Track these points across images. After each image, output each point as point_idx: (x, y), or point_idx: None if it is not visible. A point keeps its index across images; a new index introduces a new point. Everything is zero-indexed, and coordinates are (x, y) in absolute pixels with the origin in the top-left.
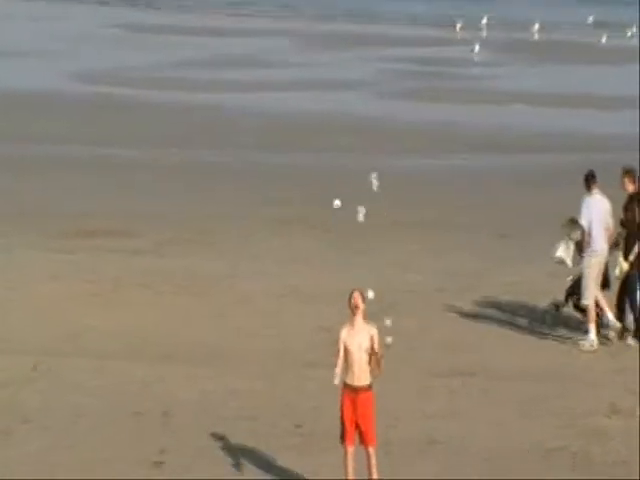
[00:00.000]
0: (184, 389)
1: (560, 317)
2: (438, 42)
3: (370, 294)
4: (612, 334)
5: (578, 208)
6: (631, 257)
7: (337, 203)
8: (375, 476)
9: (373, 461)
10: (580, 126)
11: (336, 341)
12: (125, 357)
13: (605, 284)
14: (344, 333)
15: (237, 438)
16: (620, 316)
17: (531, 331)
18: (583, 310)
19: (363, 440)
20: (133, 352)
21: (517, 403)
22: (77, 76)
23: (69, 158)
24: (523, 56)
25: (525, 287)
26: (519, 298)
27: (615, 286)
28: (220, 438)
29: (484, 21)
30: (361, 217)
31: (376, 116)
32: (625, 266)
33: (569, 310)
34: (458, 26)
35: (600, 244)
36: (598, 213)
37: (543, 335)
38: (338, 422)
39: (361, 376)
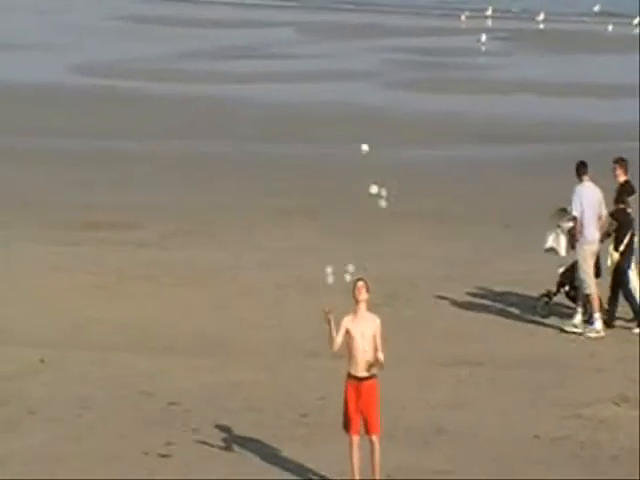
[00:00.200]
0: (188, 380)
1: (552, 306)
2: (443, 32)
3: (350, 268)
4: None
5: (566, 199)
6: (621, 247)
7: (365, 148)
8: (378, 464)
9: (377, 449)
10: (584, 115)
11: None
12: (129, 349)
13: (597, 273)
14: (347, 320)
15: (242, 429)
16: (613, 305)
17: (535, 320)
18: (575, 299)
19: (367, 429)
20: (137, 344)
21: (523, 392)
22: (80, 68)
23: (71, 150)
24: (528, 46)
25: (528, 276)
26: (522, 287)
27: (606, 275)
28: (225, 429)
29: (489, 11)
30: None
31: (380, 106)
32: (616, 256)
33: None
34: (463, 16)
35: (592, 233)
36: (590, 202)
37: (547, 324)
38: (342, 412)
39: (364, 366)
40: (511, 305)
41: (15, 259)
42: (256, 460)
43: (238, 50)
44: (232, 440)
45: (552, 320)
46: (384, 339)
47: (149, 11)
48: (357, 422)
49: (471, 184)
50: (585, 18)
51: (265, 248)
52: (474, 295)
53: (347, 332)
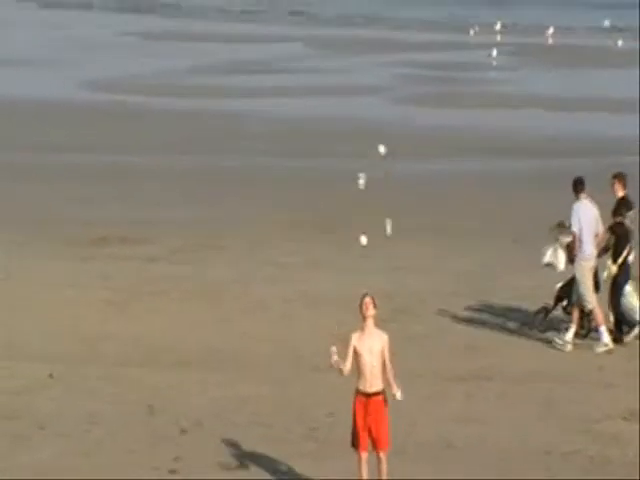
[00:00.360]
0: (197, 395)
1: (550, 321)
2: (452, 47)
3: (363, 240)
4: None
5: (568, 214)
6: (619, 260)
7: (382, 150)
8: None
9: (384, 466)
10: (595, 130)
11: (347, 344)
12: (139, 364)
13: (595, 287)
14: (355, 338)
15: (250, 444)
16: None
17: (543, 335)
18: (571, 314)
19: (375, 445)
20: (147, 359)
21: (532, 406)
22: (89, 84)
23: (81, 166)
24: (537, 60)
25: (536, 291)
26: (530, 302)
27: (605, 289)
28: (234, 445)
29: (498, 26)
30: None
31: (390, 121)
32: (614, 269)
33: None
34: (472, 31)
35: (590, 249)
36: (587, 219)
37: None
38: (351, 427)
39: (373, 382)
40: (519, 320)
41: (24, 274)
42: (265, 475)
43: (248, 65)
44: (240, 455)
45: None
46: (392, 354)
47: (158, 27)
48: (365, 439)
49: (480, 198)
50: (595, 33)
51: (274, 262)
52: (482, 310)
53: (354, 350)
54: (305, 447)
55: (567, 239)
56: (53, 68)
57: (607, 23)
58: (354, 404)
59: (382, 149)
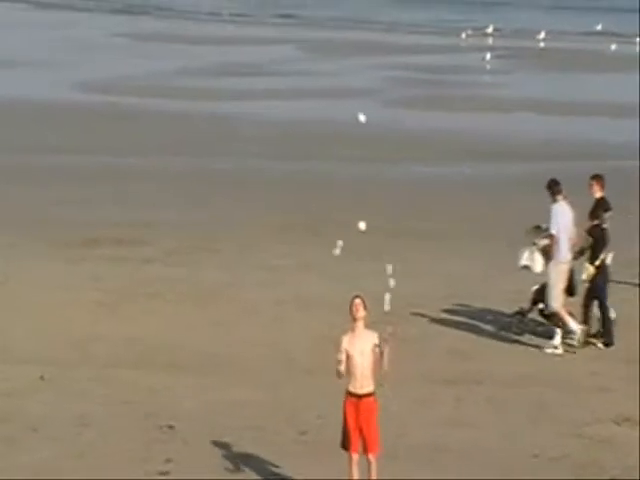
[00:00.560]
0: (189, 398)
1: (527, 324)
2: (444, 50)
3: (362, 226)
4: (576, 342)
5: (548, 216)
6: (597, 262)
7: (362, 118)
8: None
9: (374, 469)
10: (588, 134)
11: (338, 348)
12: (131, 366)
13: (571, 292)
14: (345, 341)
15: (242, 447)
16: (586, 319)
17: (535, 338)
18: (548, 317)
19: (365, 447)
20: (139, 361)
21: (523, 410)
22: (82, 85)
23: (74, 167)
24: (529, 64)
25: (529, 295)
26: (524, 307)
27: (581, 291)
28: (225, 447)
29: (490, 29)
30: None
31: (381, 124)
32: (592, 270)
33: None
34: (464, 34)
35: (565, 252)
36: (565, 221)
37: (547, 343)
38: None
39: (364, 383)
40: (511, 324)
41: (16, 276)
42: (256, 478)
43: (239, 67)
44: (232, 457)
45: (542, 338)
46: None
47: (150, 29)
48: (356, 440)
49: (473, 202)
50: (587, 37)
51: (267, 265)
52: (475, 314)
53: (346, 352)
54: (296, 449)
55: (543, 242)
56: (46, 69)
57: (599, 27)
58: (345, 405)
59: (362, 117)
